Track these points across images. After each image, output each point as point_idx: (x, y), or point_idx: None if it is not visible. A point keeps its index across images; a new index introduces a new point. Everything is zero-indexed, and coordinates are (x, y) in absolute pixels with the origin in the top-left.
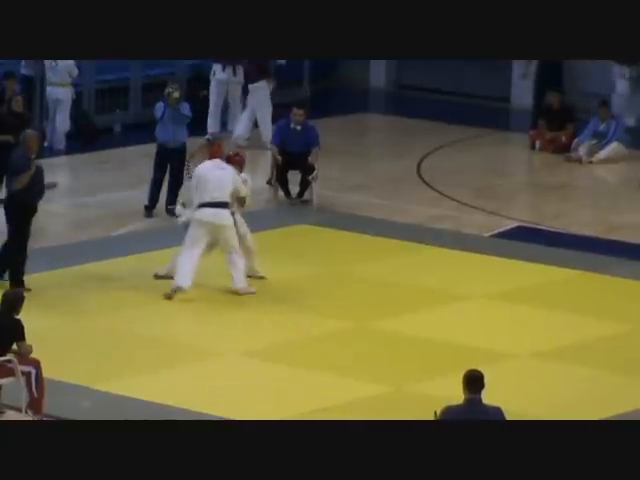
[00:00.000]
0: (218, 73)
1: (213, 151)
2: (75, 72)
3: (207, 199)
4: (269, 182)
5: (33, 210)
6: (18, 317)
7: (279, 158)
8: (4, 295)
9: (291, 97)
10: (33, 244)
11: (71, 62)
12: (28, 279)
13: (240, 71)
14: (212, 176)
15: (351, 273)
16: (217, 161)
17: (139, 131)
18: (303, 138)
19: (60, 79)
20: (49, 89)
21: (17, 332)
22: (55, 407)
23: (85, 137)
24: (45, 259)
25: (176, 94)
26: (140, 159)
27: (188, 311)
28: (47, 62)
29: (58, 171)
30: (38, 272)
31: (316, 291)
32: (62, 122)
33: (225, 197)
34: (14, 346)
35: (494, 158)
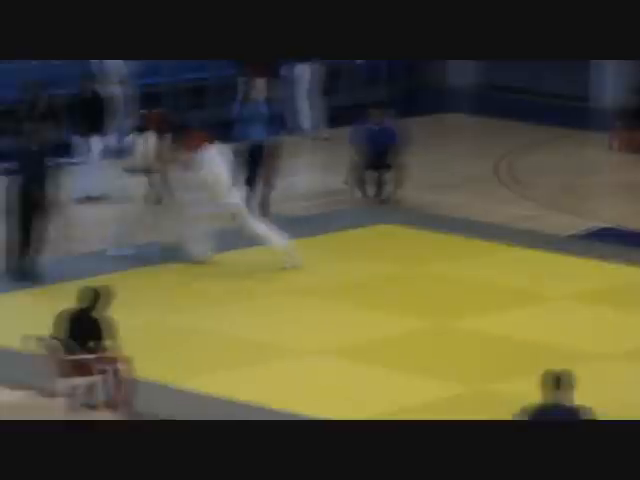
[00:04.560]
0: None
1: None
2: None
3: None
4: (346, 182)
5: None
6: (97, 316)
7: (357, 158)
8: (84, 292)
9: (370, 97)
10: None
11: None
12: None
13: (315, 68)
14: None
15: (431, 272)
16: None
17: None
18: (381, 138)
19: None
20: None
21: (96, 331)
22: (140, 405)
23: None
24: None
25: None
26: None
27: (270, 309)
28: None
29: None
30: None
31: (396, 290)
32: None
33: None
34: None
35: (574, 158)
